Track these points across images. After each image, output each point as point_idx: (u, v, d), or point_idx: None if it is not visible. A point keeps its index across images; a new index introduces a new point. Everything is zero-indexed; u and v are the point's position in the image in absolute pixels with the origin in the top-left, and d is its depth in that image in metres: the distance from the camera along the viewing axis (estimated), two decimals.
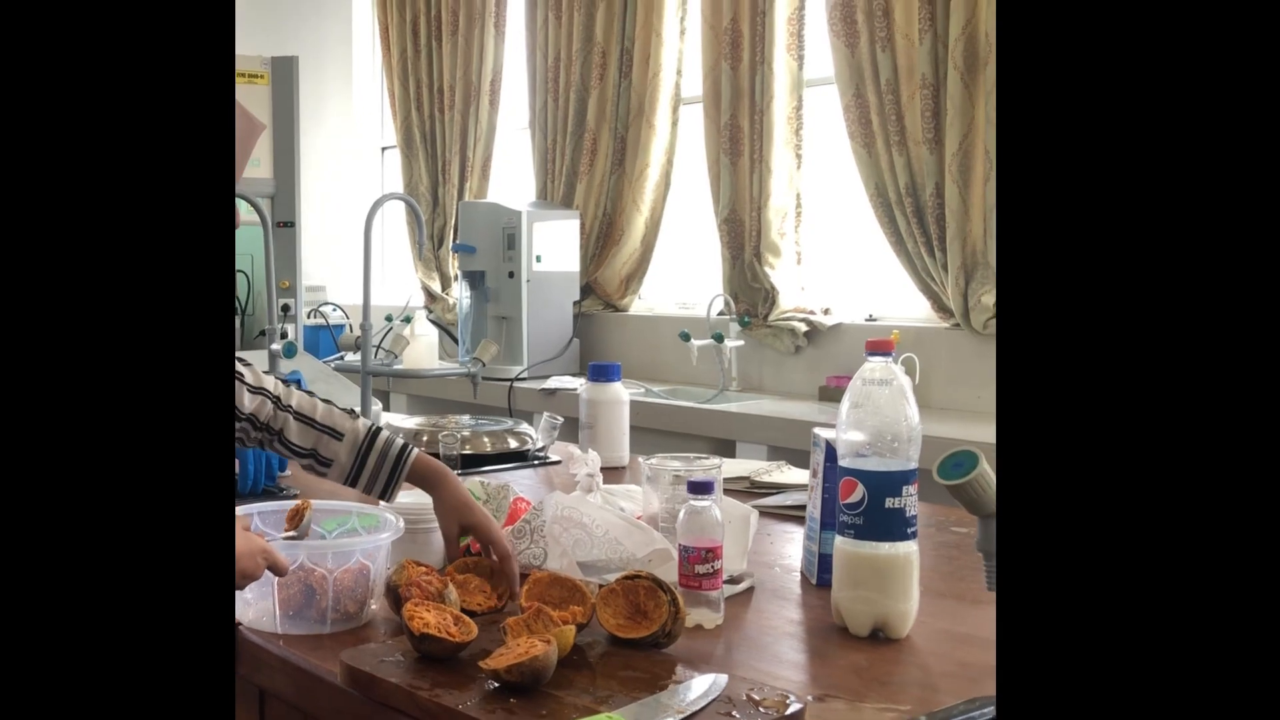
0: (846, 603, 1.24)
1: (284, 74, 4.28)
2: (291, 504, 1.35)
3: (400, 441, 1.46)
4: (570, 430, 2.36)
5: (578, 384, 3.33)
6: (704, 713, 1.01)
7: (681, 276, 4.29)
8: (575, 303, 4.26)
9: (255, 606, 1.26)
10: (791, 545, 1.63)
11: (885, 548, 1.22)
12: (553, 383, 3.81)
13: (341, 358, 3.61)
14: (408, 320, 3.37)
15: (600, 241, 4.28)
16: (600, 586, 1.23)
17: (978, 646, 1.20)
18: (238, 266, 4.30)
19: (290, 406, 1.47)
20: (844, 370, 3.44)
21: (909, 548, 1.23)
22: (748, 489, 1.99)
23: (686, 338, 3.64)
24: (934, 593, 1.37)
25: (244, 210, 2.23)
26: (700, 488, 1.27)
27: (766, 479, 2.04)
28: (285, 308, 4.23)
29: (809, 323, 3.60)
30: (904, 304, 3.50)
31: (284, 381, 1.51)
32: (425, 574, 1.25)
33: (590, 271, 4.31)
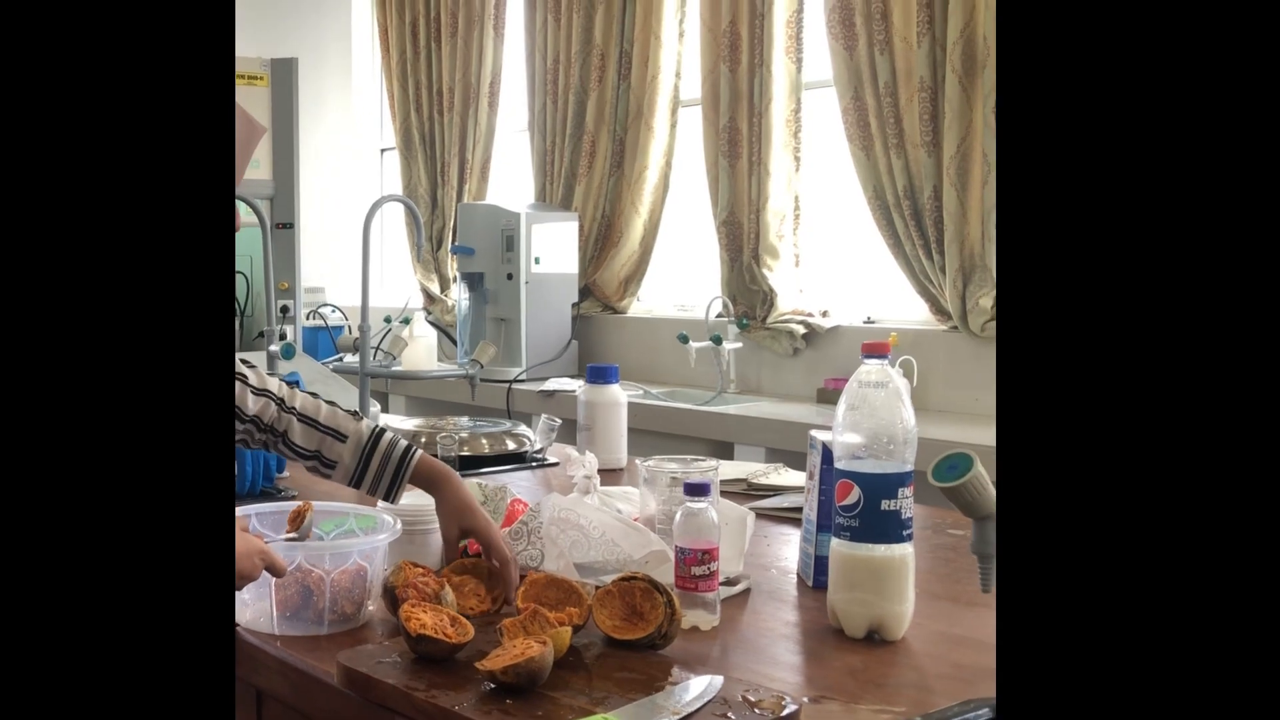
0: (842, 604, 1.25)
1: (283, 75, 4.29)
2: (290, 505, 1.36)
3: (404, 443, 1.46)
4: (569, 432, 2.36)
5: (576, 386, 3.33)
6: (700, 714, 1.01)
7: (680, 279, 4.29)
8: (574, 304, 4.27)
9: (253, 607, 1.27)
10: (788, 547, 1.63)
11: (881, 550, 1.22)
12: (551, 384, 3.81)
13: (340, 359, 3.62)
14: (406, 322, 3.37)
15: (599, 243, 4.29)
16: (597, 588, 1.23)
17: (973, 648, 1.21)
18: (237, 268, 4.30)
19: (294, 408, 1.47)
20: (842, 372, 3.44)
21: (904, 550, 1.23)
22: (745, 491, 2.00)
23: (685, 340, 3.65)
24: (930, 595, 1.37)
25: (243, 212, 2.23)
26: (697, 489, 1.28)
27: (764, 481, 2.04)
28: (284, 309, 4.23)
29: (807, 325, 3.61)
30: (902, 306, 3.50)
31: (287, 383, 1.52)
32: (422, 575, 1.25)
33: (589, 273, 4.31)
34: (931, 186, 3.18)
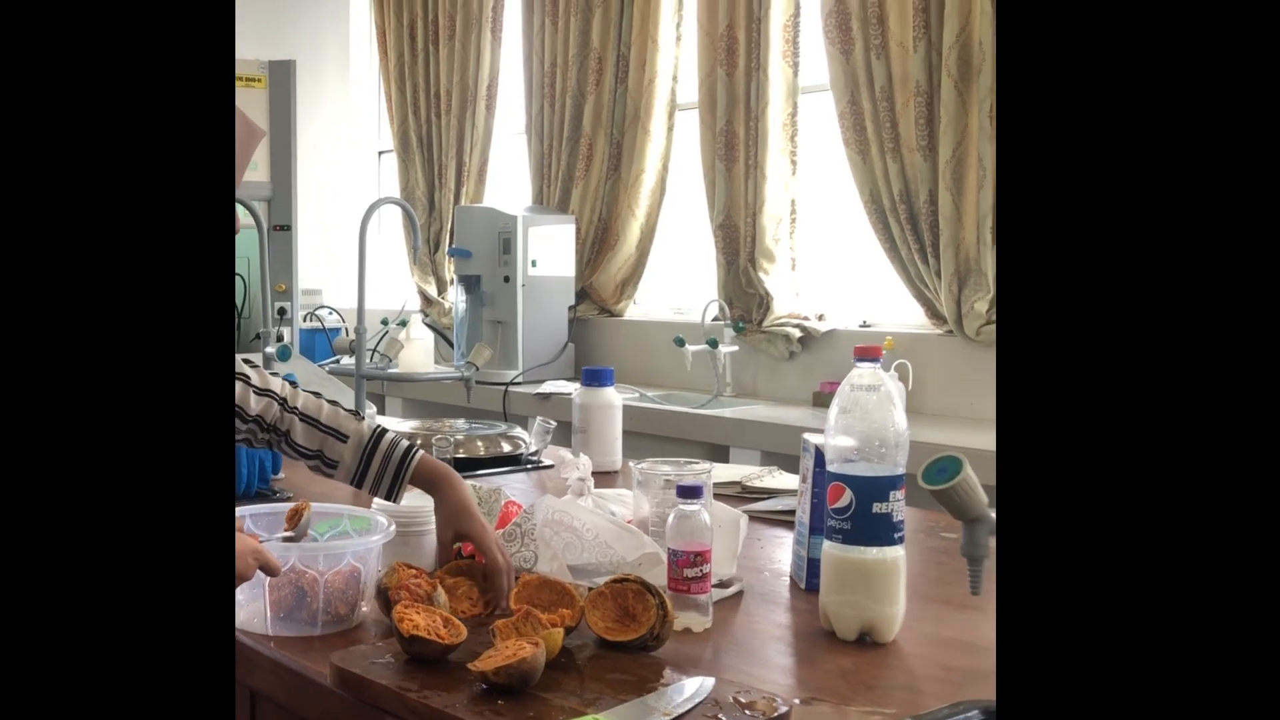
0: (834, 607, 1.25)
1: (281, 78, 4.29)
2: (285, 506, 1.36)
3: (405, 443, 1.46)
4: (564, 434, 2.36)
5: (572, 388, 3.34)
6: (691, 715, 1.02)
7: (676, 282, 4.30)
8: (570, 307, 4.27)
9: (246, 608, 1.27)
10: (781, 550, 1.64)
11: (872, 552, 1.23)
12: (547, 387, 3.82)
13: (337, 361, 3.62)
14: (403, 324, 3.37)
15: (595, 247, 4.29)
16: (589, 589, 1.24)
17: (963, 651, 1.21)
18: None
19: (296, 408, 1.48)
20: (838, 376, 3.42)
21: (896, 552, 1.24)
22: (739, 494, 2.00)
23: (681, 343, 3.65)
24: (922, 597, 1.38)
25: (240, 214, 2.24)
26: (689, 492, 1.28)
27: (758, 484, 2.05)
28: (281, 311, 4.23)
29: (803, 328, 3.62)
30: (897, 310, 3.51)
31: (290, 383, 1.52)
32: (415, 577, 1.25)
33: (585, 276, 4.32)
34: (927, 191, 3.19)
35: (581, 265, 4.30)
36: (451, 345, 4.47)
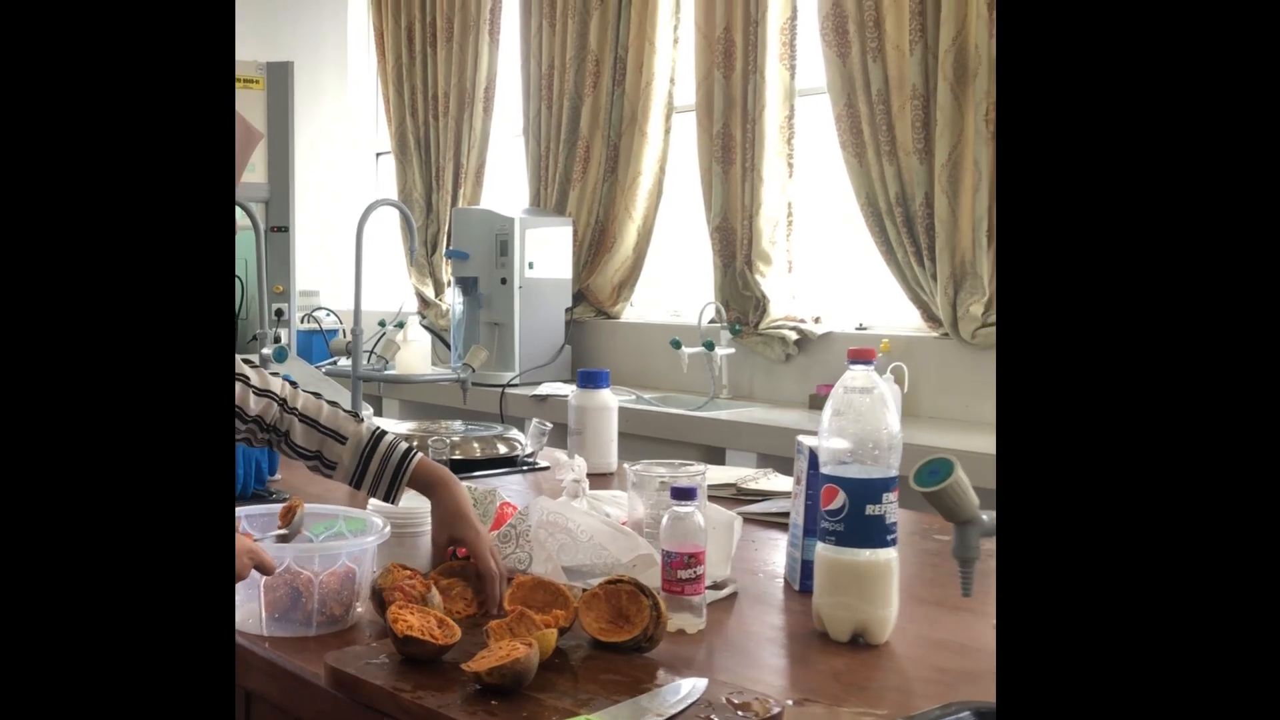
0: (827, 608, 1.26)
1: (279, 79, 4.29)
2: (279, 507, 1.37)
3: (404, 445, 1.47)
4: (561, 436, 2.37)
5: (569, 390, 3.34)
6: (684, 716, 1.02)
7: (673, 284, 4.31)
8: (567, 309, 4.28)
9: (242, 608, 1.27)
10: (776, 552, 1.64)
11: (865, 554, 1.23)
12: (544, 389, 3.82)
13: (334, 362, 3.62)
14: (401, 326, 3.38)
15: (593, 249, 4.30)
16: (583, 591, 1.24)
17: (954, 652, 1.22)
18: None
19: (295, 409, 1.48)
20: (834, 379, 3.41)
21: (889, 554, 1.24)
22: (734, 496, 2.01)
23: (678, 345, 3.66)
24: (915, 599, 1.38)
25: (237, 216, 2.24)
26: (683, 494, 1.29)
27: (753, 486, 2.05)
28: (279, 312, 4.23)
29: (799, 331, 3.62)
30: (894, 313, 3.51)
31: (291, 383, 1.52)
32: (410, 578, 1.26)
33: (582, 278, 4.32)
34: (923, 194, 3.20)
35: (578, 267, 4.30)
36: (449, 347, 4.48)
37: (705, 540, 1.29)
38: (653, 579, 1.28)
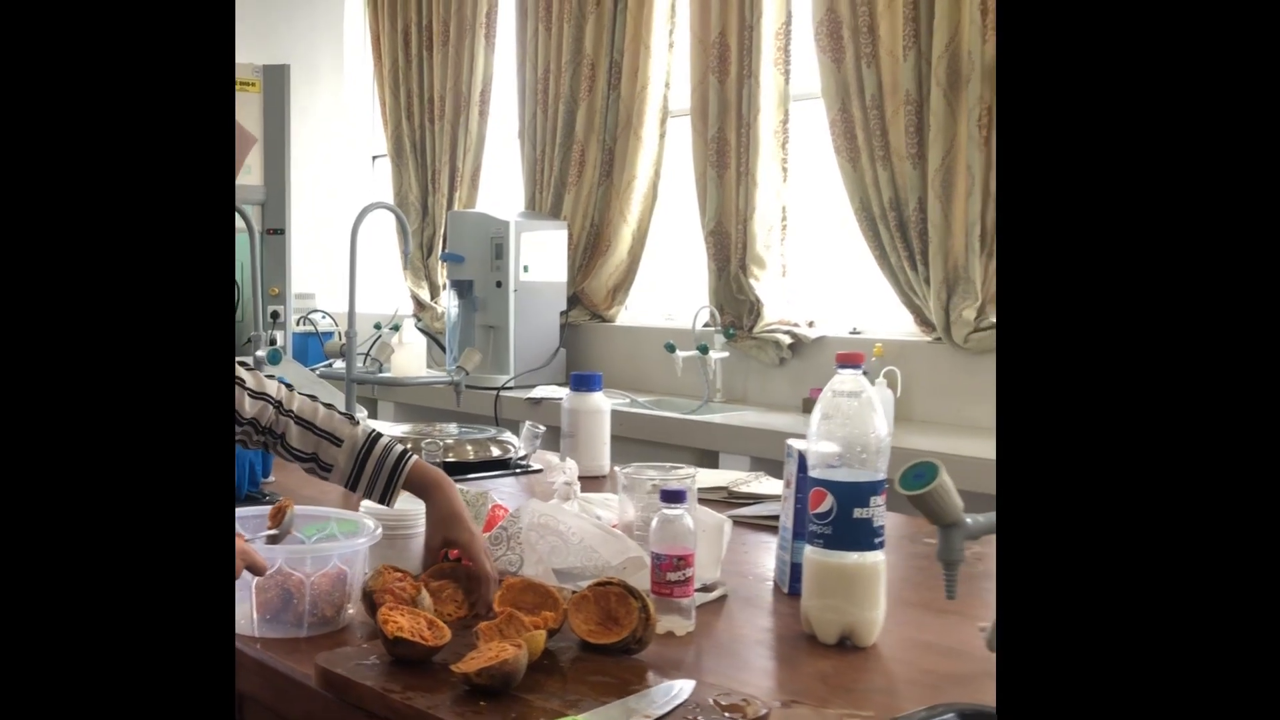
0: (815, 611, 1.27)
1: (275, 82, 4.30)
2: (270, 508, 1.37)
3: (399, 448, 1.47)
4: (555, 439, 2.37)
5: (563, 393, 3.35)
6: (671, 717, 1.03)
7: (667, 288, 4.32)
8: (562, 313, 4.29)
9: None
10: (766, 555, 1.65)
11: (853, 557, 1.24)
12: (538, 392, 3.83)
13: (330, 365, 3.62)
14: (396, 328, 3.38)
15: (587, 252, 4.31)
16: (573, 592, 1.25)
17: (941, 654, 1.23)
18: None
19: (291, 411, 1.49)
20: (828, 383, 3.45)
21: (876, 557, 1.25)
22: (725, 499, 2.02)
23: (672, 349, 3.67)
24: (903, 602, 1.39)
25: None
26: (673, 496, 1.29)
27: (745, 489, 2.06)
28: (275, 314, 4.24)
29: (793, 335, 3.63)
30: (887, 318, 3.52)
31: (286, 386, 1.53)
32: (400, 580, 1.26)
33: (577, 282, 4.33)
34: (916, 199, 3.21)
35: (573, 271, 4.31)
36: (444, 350, 4.48)
37: (694, 543, 1.29)
38: (642, 581, 1.29)
